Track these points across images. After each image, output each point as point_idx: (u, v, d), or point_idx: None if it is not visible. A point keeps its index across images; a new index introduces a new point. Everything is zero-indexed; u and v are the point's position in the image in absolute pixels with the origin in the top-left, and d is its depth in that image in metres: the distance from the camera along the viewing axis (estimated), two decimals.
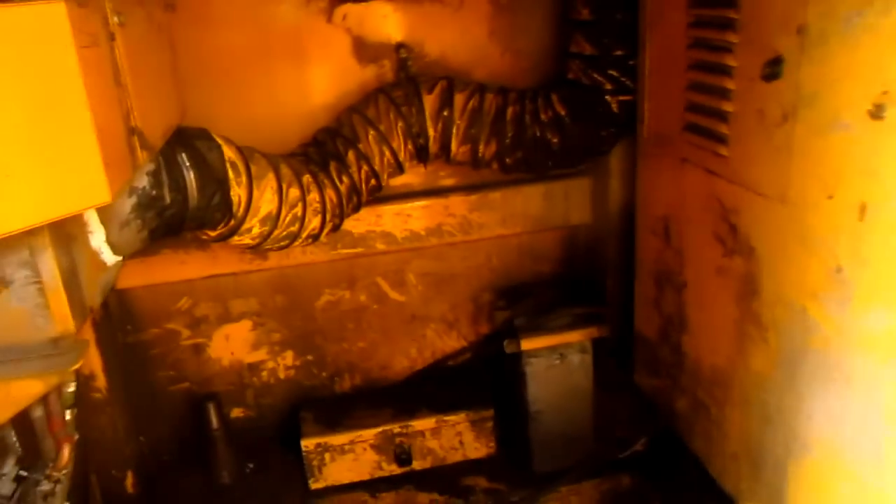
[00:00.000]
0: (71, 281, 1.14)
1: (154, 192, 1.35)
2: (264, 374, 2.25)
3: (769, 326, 1.38)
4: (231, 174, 1.52)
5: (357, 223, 2.07)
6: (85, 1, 0.95)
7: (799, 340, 1.30)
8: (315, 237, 1.79)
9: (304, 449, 2.07)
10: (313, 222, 1.75)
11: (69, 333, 1.13)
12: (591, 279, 2.31)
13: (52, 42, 0.87)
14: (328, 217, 1.79)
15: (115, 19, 1.08)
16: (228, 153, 1.52)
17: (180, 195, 1.41)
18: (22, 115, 0.85)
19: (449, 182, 2.17)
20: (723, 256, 1.50)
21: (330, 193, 1.79)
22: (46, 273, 1.09)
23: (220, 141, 1.51)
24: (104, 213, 1.25)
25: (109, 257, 1.29)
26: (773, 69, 1.25)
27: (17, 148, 0.86)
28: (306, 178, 1.73)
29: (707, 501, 1.86)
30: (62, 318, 1.11)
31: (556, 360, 2.00)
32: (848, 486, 1.24)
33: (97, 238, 1.26)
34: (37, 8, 0.85)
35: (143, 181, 1.33)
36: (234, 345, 2.19)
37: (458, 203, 2.15)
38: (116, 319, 2.06)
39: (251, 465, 2.11)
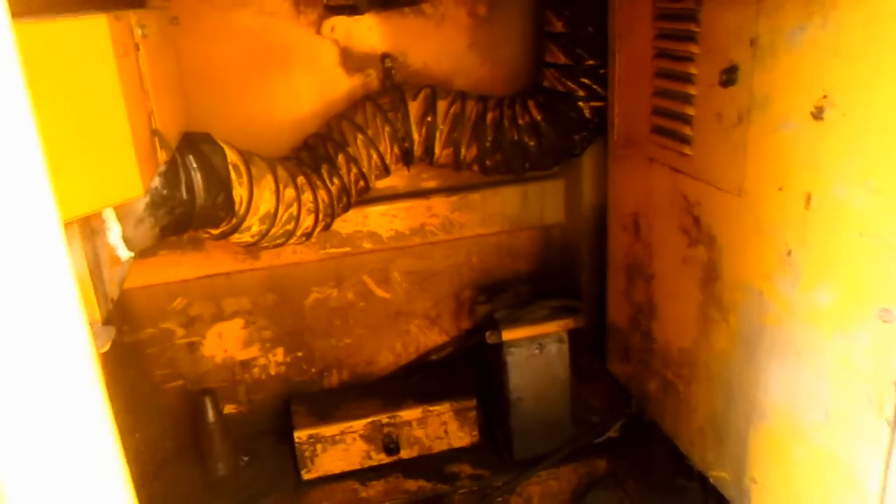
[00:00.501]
0: (96, 272, 1.24)
1: (165, 192, 1.44)
2: (256, 370, 2.34)
3: (729, 308, 1.53)
4: (233, 176, 1.62)
5: (345, 224, 2.18)
6: (119, 14, 1.06)
7: (756, 319, 1.45)
8: (308, 235, 1.90)
9: (296, 440, 2.15)
10: (307, 221, 1.86)
11: (96, 321, 1.23)
12: (566, 275, 2.45)
13: (94, 51, 0.97)
14: (321, 216, 1.90)
15: (139, 31, 1.18)
16: (231, 156, 1.62)
17: (189, 195, 1.50)
18: (69, 115, 0.95)
19: (431, 184, 2.30)
20: (687, 247, 1.64)
21: (322, 194, 1.90)
22: (76, 263, 1.19)
23: (223, 145, 1.61)
24: (120, 211, 1.34)
25: (124, 252, 1.39)
26: (729, 76, 1.40)
27: (64, 146, 0.96)
28: (300, 179, 1.84)
29: (677, 477, 2.00)
30: (90, 306, 1.21)
31: (535, 350, 2.12)
32: (800, 449, 1.38)
33: (114, 234, 1.35)
34: (82, 22, 0.96)
35: (156, 181, 1.42)
36: (226, 343, 2.28)
37: (440, 204, 2.27)
38: (113, 319, 2.13)
39: (245, 458, 2.20)
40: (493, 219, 2.33)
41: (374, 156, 2.00)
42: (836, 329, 1.24)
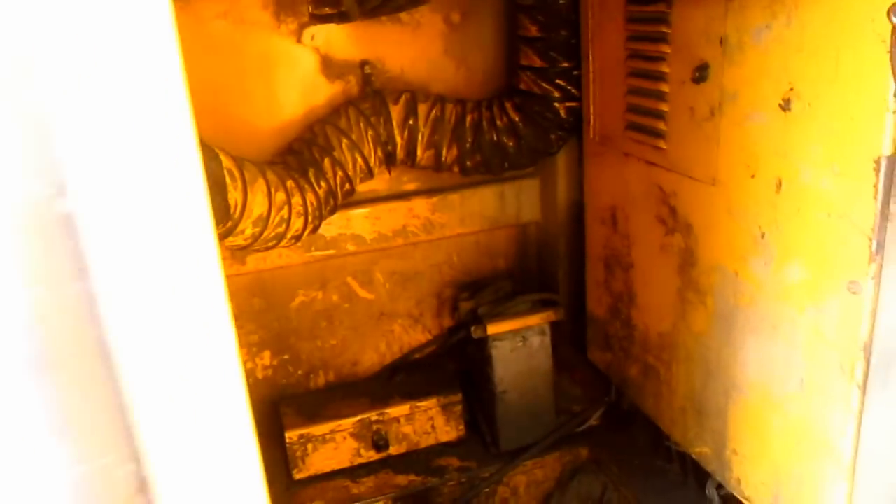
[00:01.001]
0: None
1: None
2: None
3: (706, 291, 1.63)
4: (228, 180, 1.66)
5: (329, 226, 2.22)
6: None
7: (731, 300, 1.55)
8: (298, 238, 1.94)
9: (287, 440, 2.18)
10: (297, 224, 1.91)
11: None
12: (543, 270, 2.54)
13: None
14: (310, 219, 1.94)
15: None
16: (226, 162, 1.66)
17: None
18: None
19: (412, 186, 2.36)
20: (664, 235, 1.74)
21: (310, 197, 1.94)
22: None
23: (217, 151, 1.65)
24: None
25: None
26: (700, 74, 1.50)
27: None
28: (290, 183, 1.88)
29: (656, 460, 2.10)
30: None
31: (518, 343, 2.20)
32: (777, 419, 1.48)
33: None
34: None
35: None
36: None
37: (420, 205, 2.34)
38: None
39: None
40: (472, 218, 2.40)
41: (359, 159, 2.05)
42: (808, 303, 1.35)
